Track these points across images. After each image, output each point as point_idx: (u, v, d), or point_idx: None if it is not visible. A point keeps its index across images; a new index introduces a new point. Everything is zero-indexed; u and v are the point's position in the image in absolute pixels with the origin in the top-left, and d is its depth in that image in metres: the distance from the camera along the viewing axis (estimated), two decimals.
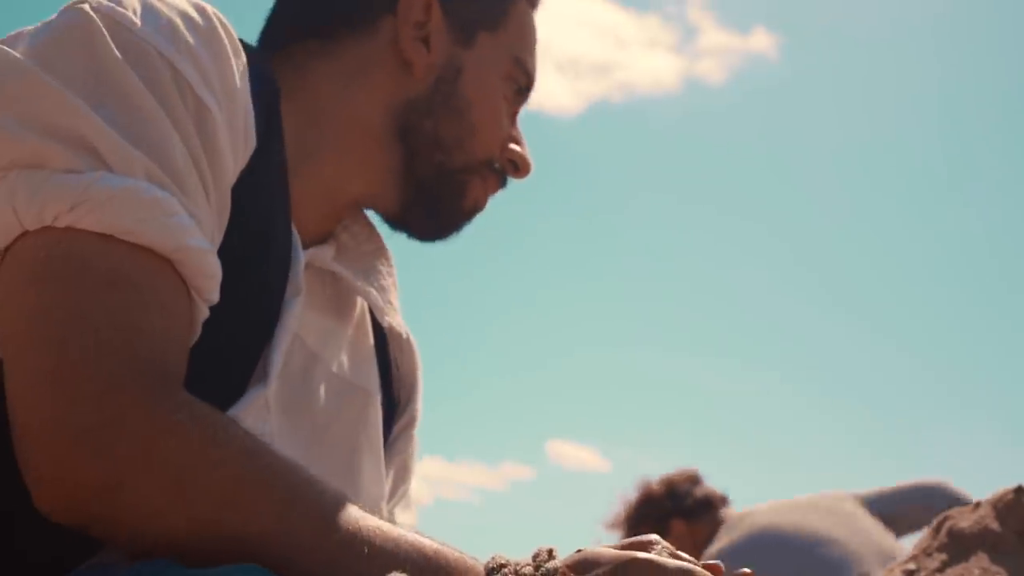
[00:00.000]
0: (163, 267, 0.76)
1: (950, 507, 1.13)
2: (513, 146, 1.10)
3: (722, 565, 0.76)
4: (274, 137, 0.92)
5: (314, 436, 0.99)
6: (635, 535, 0.80)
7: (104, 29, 0.78)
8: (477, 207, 1.10)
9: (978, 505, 1.13)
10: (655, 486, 3.01)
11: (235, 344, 0.88)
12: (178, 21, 0.82)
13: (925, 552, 1.15)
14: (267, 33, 1.08)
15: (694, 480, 3.01)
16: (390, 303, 1.10)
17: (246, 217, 0.87)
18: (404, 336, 1.17)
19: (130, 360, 0.71)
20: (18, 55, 0.77)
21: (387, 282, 1.10)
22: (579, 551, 0.76)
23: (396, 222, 1.09)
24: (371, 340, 1.13)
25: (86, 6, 0.80)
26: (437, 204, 1.07)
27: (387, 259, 1.12)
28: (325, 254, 1.04)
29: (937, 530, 1.15)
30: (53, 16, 0.81)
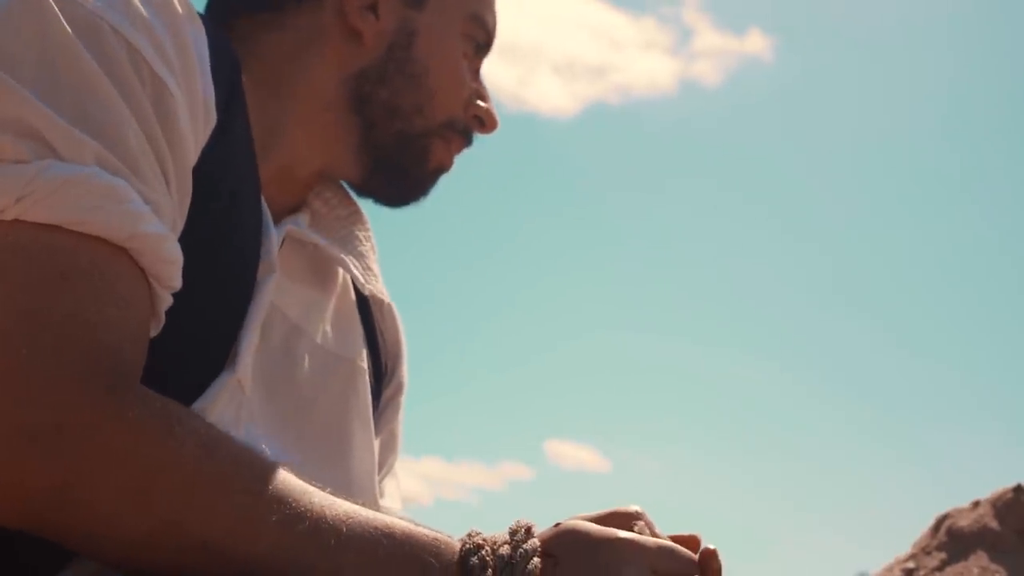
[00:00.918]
0: (117, 256, 0.73)
1: None
2: (479, 102, 1.08)
3: (700, 537, 0.75)
4: (237, 111, 0.90)
5: (301, 411, 0.98)
6: None
7: (54, 3, 0.75)
8: (442, 168, 1.08)
9: (977, 504, 1.12)
10: None
11: (207, 328, 0.86)
12: None
13: (924, 551, 1.14)
14: (214, 5, 1.05)
15: None
16: (370, 269, 1.09)
17: (211, 197, 0.85)
18: (386, 303, 1.16)
19: (81, 355, 0.68)
20: None
21: (365, 247, 1.09)
22: (557, 524, 0.76)
23: (361, 190, 1.09)
24: (355, 309, 1.11)
25: None
26: (400, 170, 1.06)
27: (363, 222, 1.11)
28: (300, 224, 1.03)
29: (936, 529, 1.14)
30: None
